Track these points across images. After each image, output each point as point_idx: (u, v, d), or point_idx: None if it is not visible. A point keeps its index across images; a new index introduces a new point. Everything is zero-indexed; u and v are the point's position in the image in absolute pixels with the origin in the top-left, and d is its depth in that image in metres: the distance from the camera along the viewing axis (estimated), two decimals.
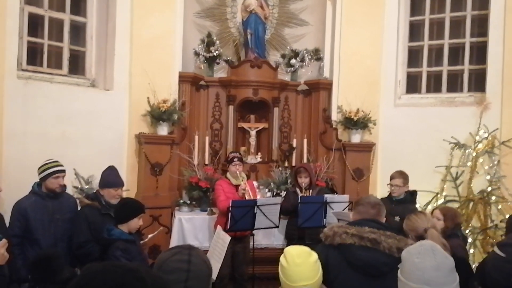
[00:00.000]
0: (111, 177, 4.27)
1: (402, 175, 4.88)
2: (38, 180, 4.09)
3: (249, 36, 6.62)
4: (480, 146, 5.97)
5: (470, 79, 6.50)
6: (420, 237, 3.00)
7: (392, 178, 4.92)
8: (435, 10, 6.72)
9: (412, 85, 6.85)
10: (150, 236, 4.24)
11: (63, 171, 4.16)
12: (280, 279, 2.40)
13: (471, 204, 5.92)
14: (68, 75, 5.82)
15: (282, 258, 2.40)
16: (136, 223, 3.71)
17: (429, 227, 3.10)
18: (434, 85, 6.75)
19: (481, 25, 6.39)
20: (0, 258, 2.23)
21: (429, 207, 5.91)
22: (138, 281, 1.11)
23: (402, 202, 4.77)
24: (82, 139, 5.60)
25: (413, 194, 4.97)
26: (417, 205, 5.17)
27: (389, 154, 6.39)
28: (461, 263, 3.17)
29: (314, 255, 2.40)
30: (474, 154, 5.99)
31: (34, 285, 3.07)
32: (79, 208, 4.36)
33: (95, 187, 4.94)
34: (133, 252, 3.54)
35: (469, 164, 6.03)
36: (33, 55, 5.58)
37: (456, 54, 6.62)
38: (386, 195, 5.08)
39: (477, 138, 5.99)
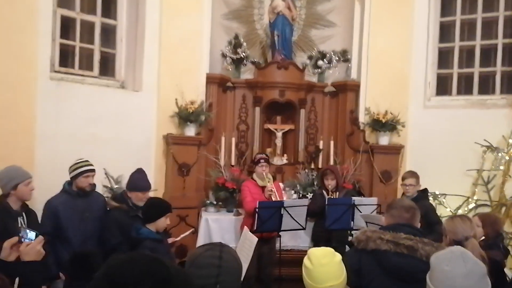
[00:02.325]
0: (140, 181, 4.29)
1: (414, 175, 5.07)
2: (69, 179, 4.17)
3: (276, 38, 6.60)
4: None
5: (503, 81, 6.34)
6: (458, 242, 2.88)
7: (404, 178, 5.10)
8: (466, 10, 6.57)
9: (443, 86, 6.71)
10: (182, 236, 4.27)
11: (93, 170, 4.22)
12: (304, 282, 2.37)
13: (504, 208, 5.76)
14: (98, 76, 5.93)
15: (306, 260, 2.37)
16: (163, 222, 3.75)
17: (470, 236, 2.99)
18: (465, 87, 6.61)
19: None
20: (36, 254, 2.28)
21: (460, 211, 5.79)
22: (163, 268, 1.15)
23: (417, 200, 4.74)
24: (111, 140, 5.67)
25: (424, 192, 5.12)
26: (448, 209, 5.06)
27: (418, 156, 6.27)
28: (499, 272, 3.05)
29: (338, 255, 2.37)
30: (507, 157, 5.83)
31: (71, 282, 3.12)
32: (107, 208, 4.42)
33: (124, 187, 5.01)
34: (161, 251, 3.57)
35: (501, 168, 5.87)
36: (65, 57, 5.70)
37: (488, 55, 6.47)
38: None
39: (510, 141, 5.83)
